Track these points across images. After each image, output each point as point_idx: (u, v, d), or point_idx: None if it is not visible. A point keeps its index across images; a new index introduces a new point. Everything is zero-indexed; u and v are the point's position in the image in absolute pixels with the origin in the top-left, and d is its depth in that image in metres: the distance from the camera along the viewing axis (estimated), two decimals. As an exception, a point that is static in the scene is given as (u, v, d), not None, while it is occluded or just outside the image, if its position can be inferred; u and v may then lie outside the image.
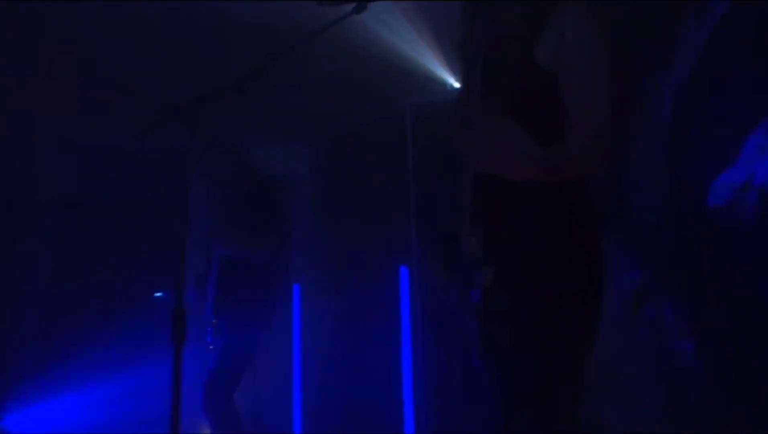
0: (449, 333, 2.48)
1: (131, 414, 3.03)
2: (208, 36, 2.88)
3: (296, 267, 3.22)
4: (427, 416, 2.44)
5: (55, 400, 3.01)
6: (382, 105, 3.24)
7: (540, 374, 1.33)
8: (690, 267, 2.26)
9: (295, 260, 3.16)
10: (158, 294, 3.22)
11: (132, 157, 3.30)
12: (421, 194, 2.84)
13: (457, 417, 2.41)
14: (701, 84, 2.25)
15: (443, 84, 3.33)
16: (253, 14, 2.71)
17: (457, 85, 3.40)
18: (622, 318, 2.34)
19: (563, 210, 1.37)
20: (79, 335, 3.19)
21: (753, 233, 2.05)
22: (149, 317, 2.93)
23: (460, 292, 1.53)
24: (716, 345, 2.18)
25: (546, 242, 1.35)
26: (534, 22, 1.40)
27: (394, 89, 3.24)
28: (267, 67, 1.62)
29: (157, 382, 2.04)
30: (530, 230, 1.37)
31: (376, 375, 2.75)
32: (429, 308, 2.53)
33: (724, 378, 2.15)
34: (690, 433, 2.16)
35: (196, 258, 2.79)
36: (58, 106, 3.25)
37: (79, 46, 2.97)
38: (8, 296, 3.09)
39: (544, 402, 1.34)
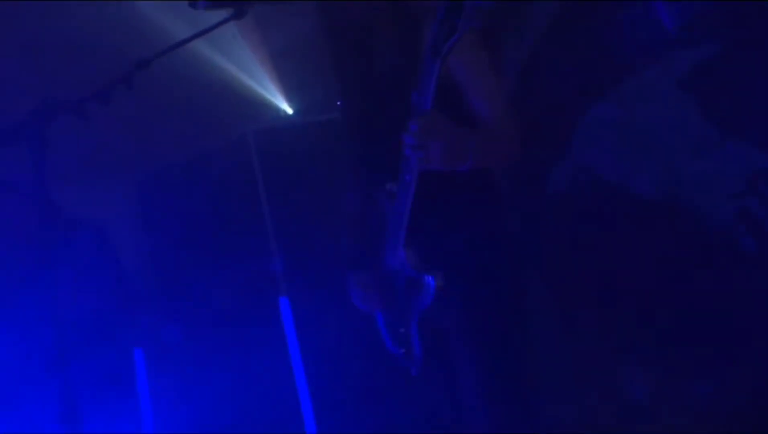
0: (338, 362, 2.39)
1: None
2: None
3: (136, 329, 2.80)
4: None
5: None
6: (215, 134, 3.03)
7: (495, 368, 1.39)
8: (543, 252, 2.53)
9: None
10: None
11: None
12: (277, 221, 2.70)
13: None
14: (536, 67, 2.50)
15: (276, 110, 3.29)
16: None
17: (290, 110, 3.38)
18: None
19: (487, 217, 1.47)
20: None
21: (591, 211, 2.38)
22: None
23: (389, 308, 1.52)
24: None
25: (481, 246, 1.43)
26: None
27: (224, 117, 3.08)
28: (133, 75, 1.42)
29: None
30: (467, 239, 1.43)
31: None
32: (317, 340, 2.39)
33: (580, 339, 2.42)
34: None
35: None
36: None
37: None
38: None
39: (509, 397, 1.40)
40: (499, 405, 1.40)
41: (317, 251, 2.45)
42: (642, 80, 2.21)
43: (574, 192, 2.41)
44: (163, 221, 2.84)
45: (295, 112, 3.30)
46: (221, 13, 1.55)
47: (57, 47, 2.41)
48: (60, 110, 1.28)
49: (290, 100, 3.33)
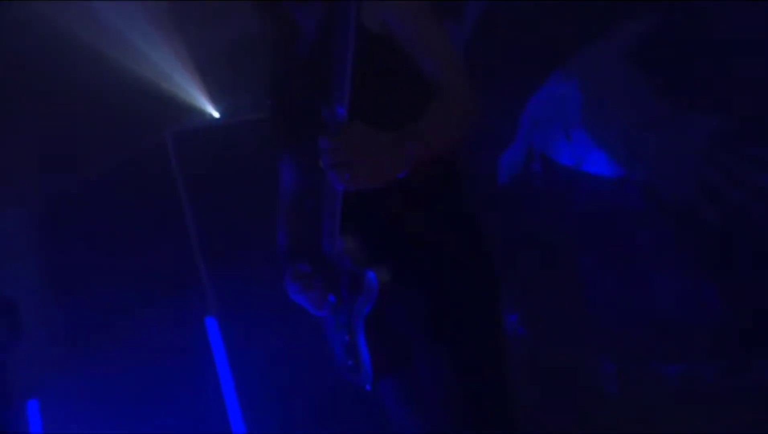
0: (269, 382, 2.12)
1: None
2: None
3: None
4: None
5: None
6: (134, 140, 2.74)
7: (471, 370, 1.15)
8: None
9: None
10: None
11: None
12: (202, 231, 2.40)
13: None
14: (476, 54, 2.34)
15: (202, 112, 3.04)
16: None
17: (216, 114, 3.13)
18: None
19: (440, 193, 1.24)
20: None
21: (544, 195, 2.23)
22: None
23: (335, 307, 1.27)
24: (535, 312, 2.29)
25: (436, 229, 1.20)
26: None
27: (144, 122, 2.81)
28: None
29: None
30: (417, 221, 1.19)
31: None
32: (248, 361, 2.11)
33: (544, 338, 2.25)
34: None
35: None
36: None
37: None
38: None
39: (476, 402, 1.17)
40: (473, 416, 1.16)
41: (246, 265, 2.17)
42: (589, 55, 2.09)
43: (528, 179, 2.26)
44: (77, 240, 2.50)
45: (222, 116, 3.07)
46: None
47: None
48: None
49: (217, 105, 3.11)
